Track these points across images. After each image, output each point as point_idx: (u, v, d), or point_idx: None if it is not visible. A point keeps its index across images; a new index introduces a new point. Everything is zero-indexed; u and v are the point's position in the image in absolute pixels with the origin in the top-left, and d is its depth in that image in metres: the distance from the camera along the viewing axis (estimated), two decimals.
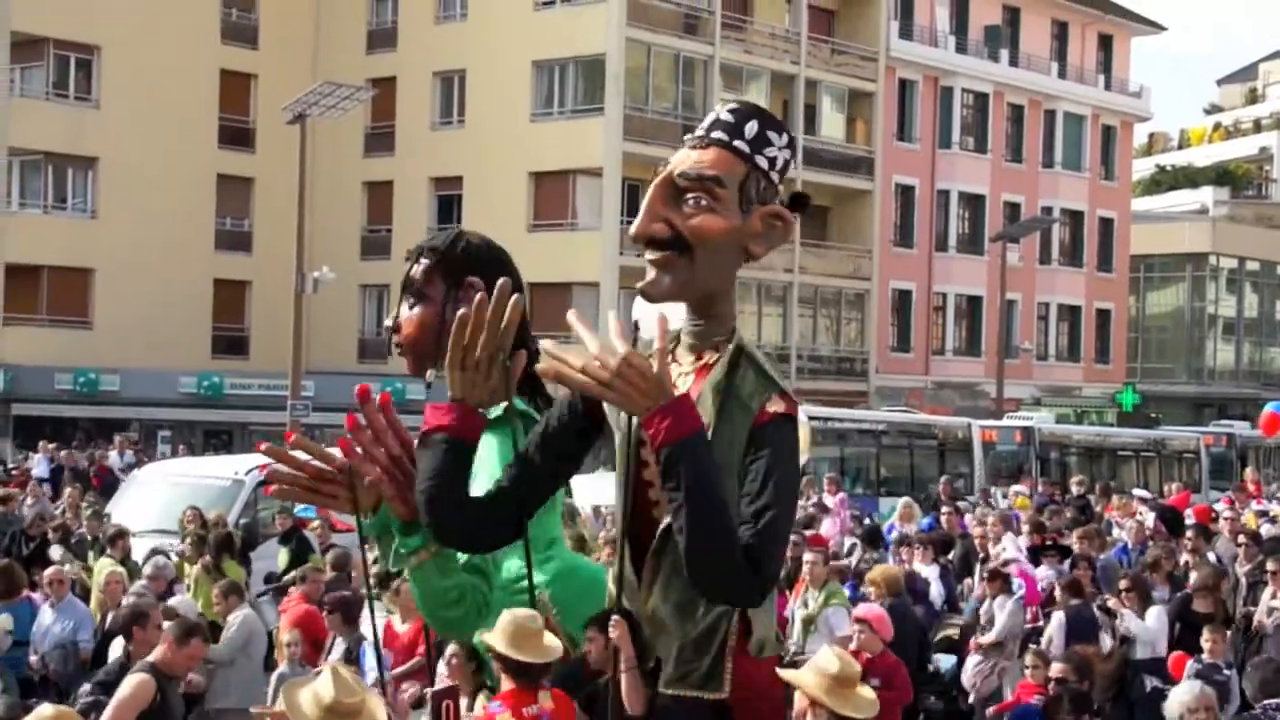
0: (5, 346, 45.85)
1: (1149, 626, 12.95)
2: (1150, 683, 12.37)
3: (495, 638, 4.55)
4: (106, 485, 28.51)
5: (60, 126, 47.19)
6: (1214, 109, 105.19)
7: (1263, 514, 24.70)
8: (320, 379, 43.84)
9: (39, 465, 31.94)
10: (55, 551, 18.62)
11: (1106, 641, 13.00)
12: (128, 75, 48.16)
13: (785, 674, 5.79)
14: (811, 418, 32.53)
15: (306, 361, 40.81)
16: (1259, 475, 40.11)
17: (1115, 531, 22.25)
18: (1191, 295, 71.39)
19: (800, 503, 23.01)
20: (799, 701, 5.55)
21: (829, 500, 23.54)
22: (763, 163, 3.77)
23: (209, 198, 51.23)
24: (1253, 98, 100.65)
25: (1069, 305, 63.36)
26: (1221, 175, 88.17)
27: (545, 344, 3.67)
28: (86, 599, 14.50)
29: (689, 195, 3.72)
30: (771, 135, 3.80)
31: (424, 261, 4.59)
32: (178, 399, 45.75)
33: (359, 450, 3.98)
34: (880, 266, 55.28)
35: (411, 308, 4.59)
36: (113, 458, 32.61)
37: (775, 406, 3.64)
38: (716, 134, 3.79)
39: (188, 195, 49.62)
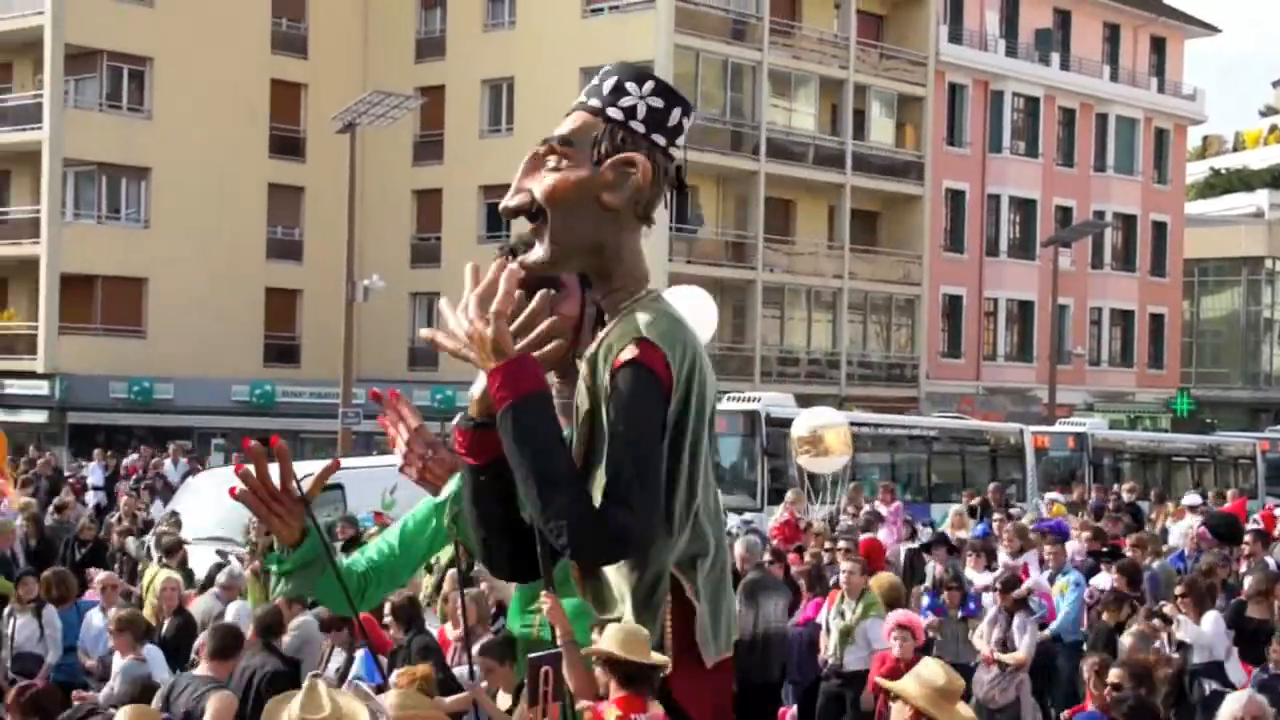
0: (61, 356, 46.26)
1: (1205, 632, 12.83)
2: (1209, 686, 12.27)
3: (608, 643, 4.52)
4: (158, 493, 28.72)
5: (113, 137, 47.54)
6: (1269, 111, 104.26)
7: None
8: (371, 386, 43.98)
9: (93, 474, 32.17)
10: (131, 544, 18.82)
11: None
12: (180, 86, 48.50)
13: (887, 684, 5.78)
14: (861, 424, 32.42)
15: (358, 369, 40.97)
16: None
17: (1171, 539, 22.09)
18: (1247, 299, 70.79)
19: (851, 510, 22.99)
20: (900, 711, 5.51)
21: (883, 508, 23.43)
22: (616, 114, 3.69)
23: (260, 207, 51.51)
24: None
25: (1122, 310, 62.97)
26: (1277, 178, 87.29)
27: (441, 303, 3.68)
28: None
29: (546, 160, 3.70)
30: (629, 86, 3.71)
31: None
32: (230, 407, 46.02)
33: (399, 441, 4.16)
34: (930, 272, 55.07)
35: None
36: (167, 466, 32.80)
37: (626, 354, 3.55)
38: (578, 100, 3.77)
39: (239, 205, 49.92)
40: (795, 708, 14.59)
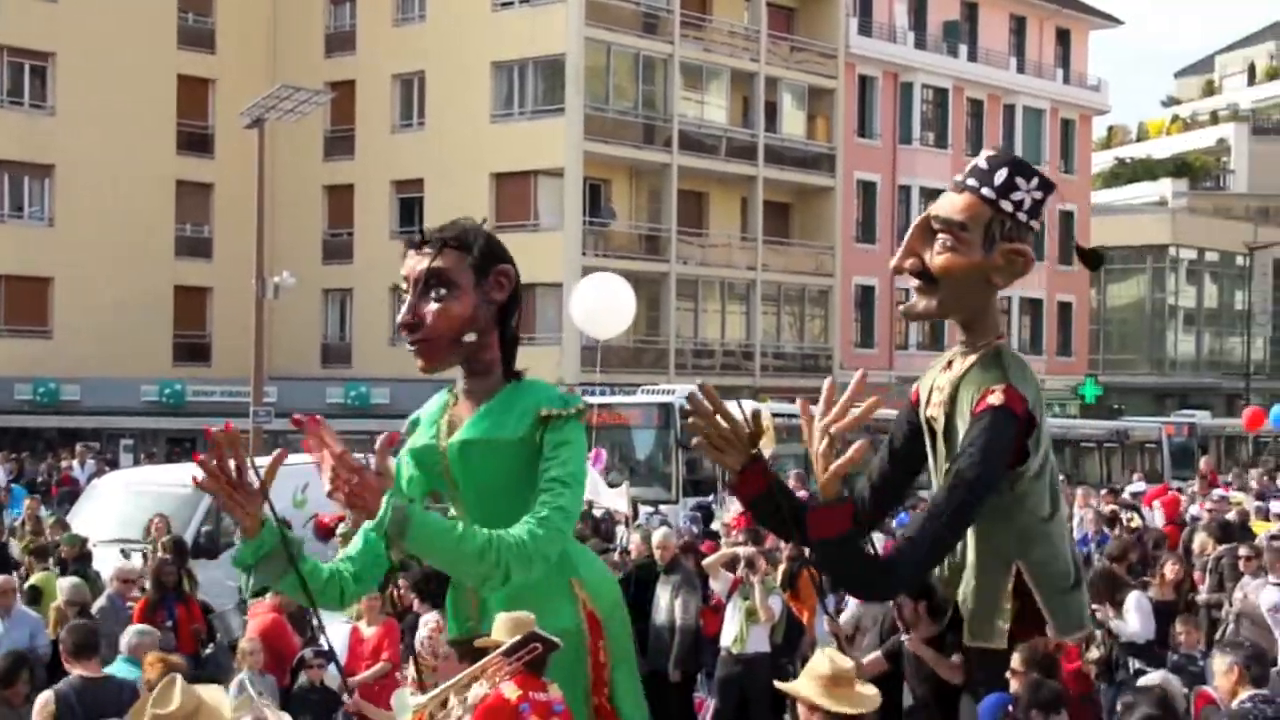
0: None
1: (1127, 619, 12.70)
2: (1134, 664, 12.32)
3: (499, 632, 4.55)
4: (66, 495, 28.33)
5: (15, 134, 46.88)
6: (1172, 101, 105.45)
7: (1223, 499, 24.81)
8: (283, 384, 43.66)
9: None
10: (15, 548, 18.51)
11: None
12: (83, 81, 47.85)
13: (782, 686, 5.85)
14: (776, 415, 32.46)
15: (269, 367, 40.63)
16: (1213, 464, 40.07)
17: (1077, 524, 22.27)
18: (1152, 287, 71.73)
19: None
20: (801, 710, 5.54)
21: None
22: (1007, 206, 4.38)
23: (168, 204, 50.96)
24: (1209, 90, 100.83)
25: (1031, 299, 63.53)
26: (1180, 167, 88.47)
27: None
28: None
29: (939, 236, 4.43)
30: (1019, 180, 4.38)
31: (451, 252, 4.49)
32: (139, 407, 45.43)
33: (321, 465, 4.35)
34: (843, 263, 55.35)
35: (439, 300, 4.48)
36: (75, 468, 32.36)
37: (992, 398, 4.35)
38: (970, 181, 4.42)
39: (146, 202, 49.34)
40: (713, 700, 14.59)
